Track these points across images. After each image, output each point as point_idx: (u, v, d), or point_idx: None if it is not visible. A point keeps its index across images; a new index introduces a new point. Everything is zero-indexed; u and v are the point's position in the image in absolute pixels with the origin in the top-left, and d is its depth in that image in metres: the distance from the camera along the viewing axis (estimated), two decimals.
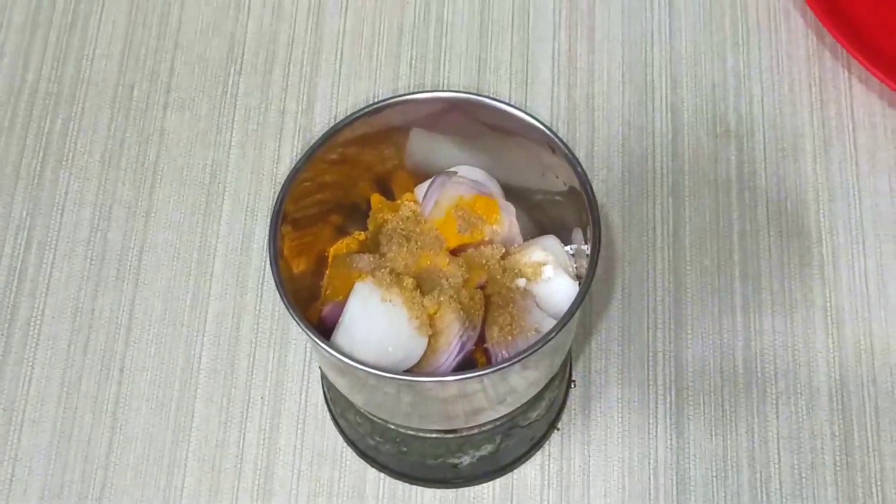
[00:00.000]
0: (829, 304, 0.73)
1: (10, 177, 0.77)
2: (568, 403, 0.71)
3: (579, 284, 0.63)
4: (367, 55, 0.80)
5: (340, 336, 0.60)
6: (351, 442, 0.69)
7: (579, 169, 0.60)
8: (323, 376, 0.70)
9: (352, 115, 0.62)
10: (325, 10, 0.82)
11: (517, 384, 0.61)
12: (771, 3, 0.81)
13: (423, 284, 0.61)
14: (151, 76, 0.80)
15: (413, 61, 0.80)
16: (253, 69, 0.80)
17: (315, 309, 0.63)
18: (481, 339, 0.61)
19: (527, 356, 0.57)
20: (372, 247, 0.64)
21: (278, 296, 0.60)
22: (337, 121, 0.62)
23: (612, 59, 0.80)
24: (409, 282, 0.60)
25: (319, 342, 0.57)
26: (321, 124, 0.78)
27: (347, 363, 0.57)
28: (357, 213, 0.66)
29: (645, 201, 0.76)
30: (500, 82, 0.79)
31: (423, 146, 0.66)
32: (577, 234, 0.64)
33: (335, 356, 0.57)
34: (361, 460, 0.69)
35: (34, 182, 0.77)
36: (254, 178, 0.77)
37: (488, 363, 0.61)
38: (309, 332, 0.57)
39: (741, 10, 0.81)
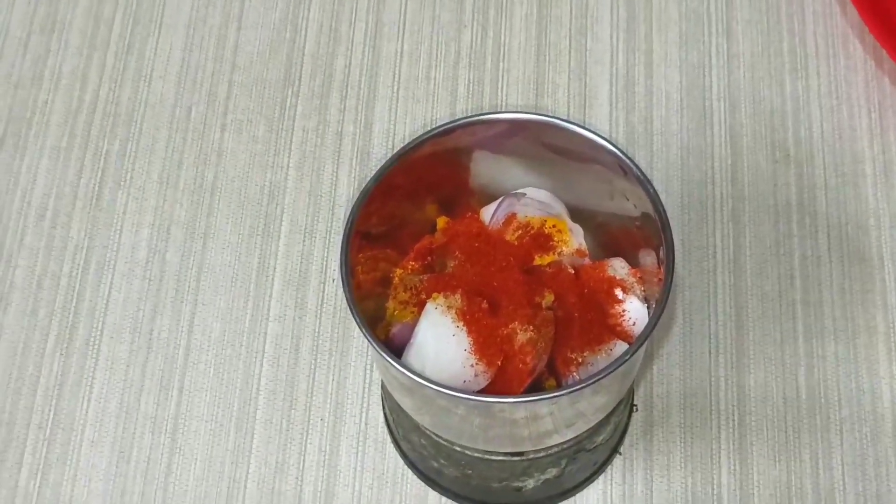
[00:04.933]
0: (891, 330, 0.72)
1: (69, 197, 0.77)
2: (630, 428, 0.70)
3: (648, 307, 0.63)
4: (425, 78, 0.80)
5: (412, 356, 0.59)
6: (412, 464, 0.69)
7: (652, 191, 0.60)
8: (384, 398, 0.70)
9: (423, 135, 0.62)
10: (381, 33, 0.82)
11: (587, 407, 0.60)
12: (829, 29, 0.81)
13: (493, 305, 0.60)
14: (209, 98, 0.80)
15: (470, 84, 0.80)
16: (310, 91, 0.80)
17: (379, 330, 0.63)
18: (550, 363, 0.61)
19: (600, 379, 0.57)
20: (438, 268, 0.64)
21: (350, 314, 0.59)
22: (395, 142, 0.62)
23: (669, 83, 0.80)
24: (481, 303, 0.60)
25: (393, 362, 0.57)
26: (379, 146, 0.78)
27: (421, 383, 0.56)
28: (423, 235, 0.66)
29: (705, 226, 0.75)
30: (558, 106, 0.79)
31: (487, 168, 0.66)
32: (645, 256, 0.63)
33: (408, 376, 0.56)
34: (423, 483, 0.69)
35: (92, 202, 0.77)
36: (312, 200, 0.77)
37: (557, 386, 0.61)
38: (382, 352, 0.57)
39: (799, 36, 0.81)
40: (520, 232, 0.63)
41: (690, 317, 0.73)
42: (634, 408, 0.70)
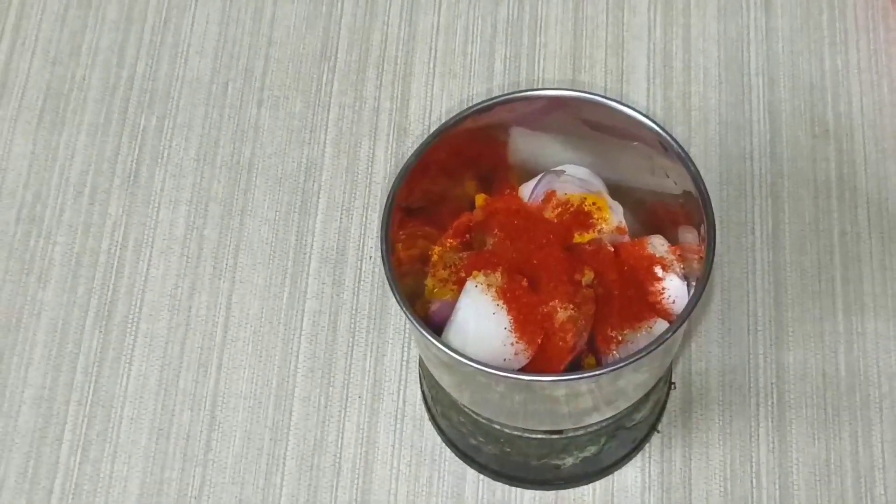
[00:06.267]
0: None
1: (106, 174, 0.77)
2: (668, 405, 0.70)
3: (688, 285, 0.62)
4: (461, 52, 0.80)
5: (452, 334, 0.59)
6: (450, 442, 0.69)
7: (693, 168, 0.60)
8: (422, 376, 0.70)
9: (463, 111, 0.61)
10: (418, 8, 0.81)
11: (627, 385, 0.60)
12: (869, 2, 0.80)
13: (534, 283, 0.60)
14: (245, 73, 0.80)
15: (507, 59, 0.80)
16: (347, 67, 0.80)
17: (418, 308, 0.63)
18: (591, 341, 0.61)
19: (640, 357, 0.57)
20: (477, 245, 0.64)
21: (390, 291, 0.59)
22: (432, 119, 0.62)
23: (708, 58, 0.79)
24: (521, 281, 0.59)
25: (434, 340, 0.57)
26: (416, 123, 0.77)
27: (461, 361, 0.56)
28: (461, 212, 0.66)
29: (743, 202, 0.75)
30: (596, 81, 0.79)
31: (526, 145, 0.65)
32: (685, 233, 0.63)
33: (449, 354, 0.56)
34: (461, 460, 0.69)
35: (130, 179, 0.77)
36: (349, 176, 0.77)
37: (597, 364, 0.61)
38: (422, 329, 0.57)
39: (839, 10, 0.80)
40: (559, 209, 0.63)
41: (729, 293, 0.73)
42: (673, 385, 0.70)
